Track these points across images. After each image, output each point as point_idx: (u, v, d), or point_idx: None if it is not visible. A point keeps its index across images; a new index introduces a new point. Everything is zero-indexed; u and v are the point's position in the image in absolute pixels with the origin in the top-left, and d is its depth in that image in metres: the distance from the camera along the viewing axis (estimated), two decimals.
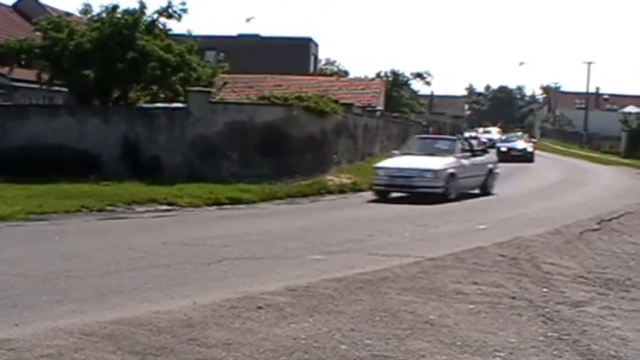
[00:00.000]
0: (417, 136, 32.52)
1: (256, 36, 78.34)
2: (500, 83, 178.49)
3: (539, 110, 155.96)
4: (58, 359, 7.59)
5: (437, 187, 26.16)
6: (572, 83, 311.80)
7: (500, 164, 46.35)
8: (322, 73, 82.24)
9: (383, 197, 26.47)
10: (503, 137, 71.64)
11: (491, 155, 32.39)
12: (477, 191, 28.87)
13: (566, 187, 33.71)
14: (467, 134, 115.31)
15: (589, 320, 9.59)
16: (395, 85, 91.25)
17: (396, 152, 29.58)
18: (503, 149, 56.61)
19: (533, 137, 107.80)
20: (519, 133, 75.85)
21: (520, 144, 59.53)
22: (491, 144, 65.46)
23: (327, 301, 10.06)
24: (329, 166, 31.29)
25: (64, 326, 8.66)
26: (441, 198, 25.48)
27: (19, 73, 33.83)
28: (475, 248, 14.66)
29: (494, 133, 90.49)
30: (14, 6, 50.37)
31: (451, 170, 26.93)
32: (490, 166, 30.41)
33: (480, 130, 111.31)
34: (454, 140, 30.81)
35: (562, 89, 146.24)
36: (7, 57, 31.89)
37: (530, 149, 57.67)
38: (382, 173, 27.11)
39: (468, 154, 29.46)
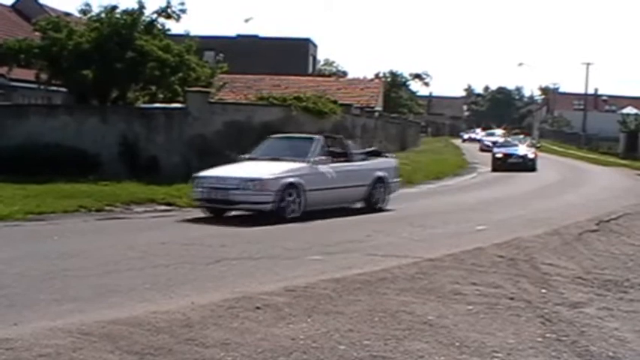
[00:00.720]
0: (273, 135, 24.38)
1: (255, 36, 78.56)
2: (498, 84, 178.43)
3: (537, 111, 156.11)
4: (57, 359, 7.59)
5: (264, 203, 20.01)
6: (571, 84, 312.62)
7: (496, 174, 44.93)
8: (321, 74, 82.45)
9: (216, 214, 20.75)
10: (501, 140, 62.35)
11: (384, 160, 25.01)
12: (359, 205, 23.19)
13: (565, 188, 33.72)
14: (466, 135, 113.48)
15: (587, 321, 9.59)
16: (393, 85, 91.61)
17: (243, 156, 22.66)
18: (499, 155, 48.73)
19: (534, 140, 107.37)
20: (521, 136, 68.58)
21: (521, 149, 50.22)
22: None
23: (325, 302, 10.07)
24: None
25: (62, 326, 8.66)
26: (274, 217, 19.70)
27: (17, 72, 33.81)
28: (474, 249, 14.66)
29: (499, 135, 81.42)
30: (13, 6, 50.37)
31: (291, 180, 20.46)
32: (379, 174, 23.55)
33: (480, 131, 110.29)
34: (312, 140, 22.59)
35: (561, 90, 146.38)
36: (5, 57, 31.86)
37: (531, 155, 48.76)
38: (201, 184, 20.79)
39: (338, 158, 22.80)
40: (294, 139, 24.02)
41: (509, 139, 63.55)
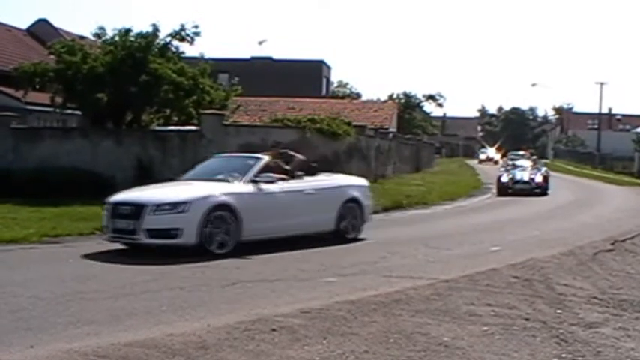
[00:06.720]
0: (219, 155, 22.22)
1: (269, 59, 78.82)
2: (512, 104, 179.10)
3: (551, 131, 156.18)
4: None
5: (181, 232, 16.65)
6: (585, 104, 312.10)
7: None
8: (335, 96, 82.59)
9: (134, 247, 17.51)
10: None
11: (354, 178, 22.39)
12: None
13: (579, 207, 33.60)
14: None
15: (603, 341, 9.57)
16: (407, 107, 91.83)
17: (178, 178, 20.34)
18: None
19: (545, 158, 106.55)
20: (522, 153, 60.81)
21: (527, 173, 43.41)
22: None
23: (340, 323, 10.07)
24: None
25: (78, 348, 8.69)
26: (196, 251, 16.57)
27: (33, 96, 34.02)
28: (488, 270, 14.63)
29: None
30: (28, 29, 50.74)
31: (218, 202, 17.11)
32: (351, 194, 20.54)
33: (493, 152, 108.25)
34: (256, 158, 19.21)
35: (574, 110, 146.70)
36: (21, 80, 32.12)
37: (539, 179, 42.40)
38: (110, 210, 17.59)
39: (295, 177, 19.41)
40: (238, 157, 20.92)
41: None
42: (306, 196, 19.23)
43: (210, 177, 18.79)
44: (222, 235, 16.98)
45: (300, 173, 19.64)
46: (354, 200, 20.49)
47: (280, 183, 18.77)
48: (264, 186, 18.30)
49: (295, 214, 18.80)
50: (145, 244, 16.94)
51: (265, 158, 19.25)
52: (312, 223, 19.35)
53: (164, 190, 18.18)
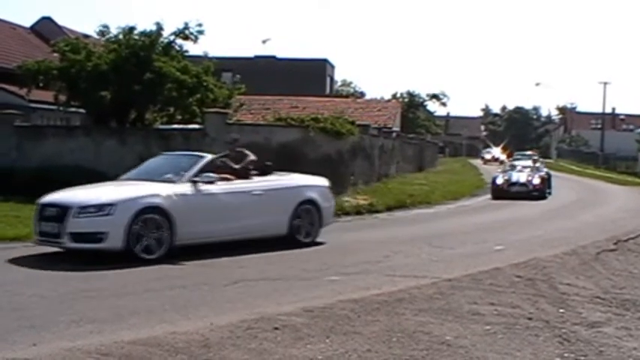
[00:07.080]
0: (166, 153, 21.17)
1: (272, 57, 78.82)
2: (516, 104, 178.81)
3: (555, 131, 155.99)
4: None
5: (105, 236, 15.56)
6: (588, 103, 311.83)
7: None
8: (338, 95, 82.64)
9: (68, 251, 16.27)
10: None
11: (312, 177, 20.59)
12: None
13: (582, 207, 33.58)
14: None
15: (606, 341, 9.56)
16: (411, 106, 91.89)
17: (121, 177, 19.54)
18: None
19: (549, 158, 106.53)
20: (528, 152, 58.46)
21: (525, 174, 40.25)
22: None
23: (343, 322, 10.07)
24: (345, 187, 31.20)
25: (81, 346, 8.69)
26: (123, 256, 15.47)
27: (36, 94, 33.96)
28: (491, 269, 14.64)
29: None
30: (32, 27, 50.72)
31: (146, 204, 15.98)
32: (308, 195, 19.48)
33: (498, 151, 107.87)
34: (199, 157, 18.16)
35: (578, 110, 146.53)
36: (24, 78, 32.06)
37: (537, 181, 39.14)
38: (38, 212, 16.90)
39: (244, 176, 18.52)
40: (183, 156, 19.66)
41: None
42: (254, 197, 18.09)
43: (150, 177, 17.65)
44: (152, 240, 15.87)
45: (254, 172, 18.81)
46: (311, 202, 19.39)
47: (222, 183, 17.68)
48: (203, 186, 17.13)
49: (240, 216, 17.63)
50: (70, 249, 15.97)
51: (208, 157, 18.15)
52: (261, 226, 18.04)
53: (93, 190, 17.18)
